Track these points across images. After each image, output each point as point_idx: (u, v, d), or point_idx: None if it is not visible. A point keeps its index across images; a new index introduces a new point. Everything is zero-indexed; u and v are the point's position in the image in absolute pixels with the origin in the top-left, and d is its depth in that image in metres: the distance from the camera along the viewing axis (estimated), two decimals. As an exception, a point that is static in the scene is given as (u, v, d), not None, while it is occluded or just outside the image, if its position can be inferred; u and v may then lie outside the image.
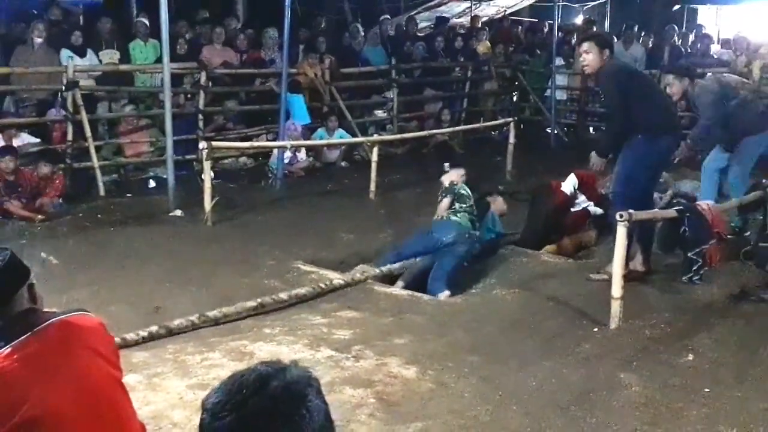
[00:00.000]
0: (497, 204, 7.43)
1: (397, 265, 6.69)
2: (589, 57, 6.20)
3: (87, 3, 13.36)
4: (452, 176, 7.21)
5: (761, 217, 6.76)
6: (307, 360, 4.63)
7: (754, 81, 11.89)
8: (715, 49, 13.91)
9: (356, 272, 6.40)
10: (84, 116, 9.06)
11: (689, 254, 5.93)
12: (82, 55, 9.84)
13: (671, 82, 6.93)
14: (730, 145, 7.24)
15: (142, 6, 12.48)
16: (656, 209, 6.12)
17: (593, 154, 6.38)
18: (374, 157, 9.27)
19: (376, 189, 9.21)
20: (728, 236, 6.47)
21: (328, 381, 4.35)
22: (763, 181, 6.83)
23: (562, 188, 7.76)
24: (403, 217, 8.32)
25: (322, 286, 5.96)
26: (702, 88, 7.01)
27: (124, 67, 10.06)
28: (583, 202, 7.78)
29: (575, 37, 14.76)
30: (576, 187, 7.73)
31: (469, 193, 7.00)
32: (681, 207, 6.06)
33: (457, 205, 6.84)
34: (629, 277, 5.73)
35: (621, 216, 5.21)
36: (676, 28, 14.47)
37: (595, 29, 15.48)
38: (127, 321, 5.18)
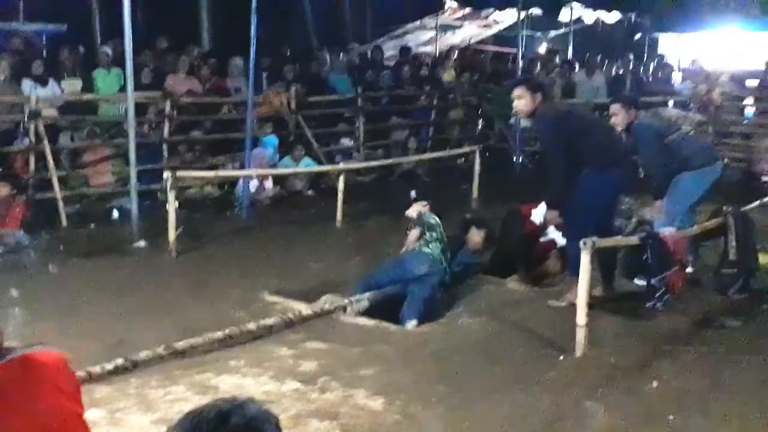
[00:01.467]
0: (476, 237, 7.32)
1: (366, 295, 6.65)
2: (521, 102, 6.18)
3: (50, 32, 13.27)
4: (417, 208, 7.21)
5: (722, 244, 6.83)
6: (272, 392, 4.60)
7: (714, 108, 12.16)
8: (676, 77, 14.16)
9: (324, 302, 6.36)
10: (47, 146, 8.97)
11: (652, 281, 5.98)
12: (44, 84, 9.77)
13: (616, 111, 6.79)
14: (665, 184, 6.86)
15: (107, 34, 12.45)
16: (619, 236, 6.16)
17: (545, 210, 6.37)
18: (341, 185, 9.27)
19: (343, 217, 9.21)
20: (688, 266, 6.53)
21: (293, 414, 4.32)
22: (723, 207, 6.90)
23: (532, 218, 7.79)
24: (371, 245, 8.31)
25: (291, 316, 5.91)
26: (640, 125, 6.79)
27: (87, 96, 10.00)
28: (552, 232, 7.83)
29: (539, 65, 14.99)
30: (545, 218, 7.78)
31: (438, 221, 7.00)
32: (643, 234, 6.11)
33: (427, 235, 6.82)
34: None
35: (584, 243, 5.24)
36: (632, 57, 14.70)
37: (557, 59, 15.76)
38: (90, 354, 5.08)
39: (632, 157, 6.79)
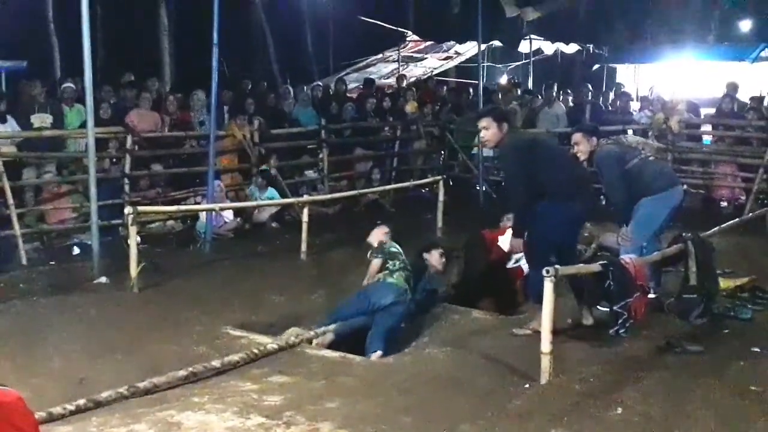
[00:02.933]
0: (434, 259, 7.35)
1: (331, 327, 6.63)
2: (488, 133, 6.24)
3: (10, 69, 13.17)
4: (378, 235, 7.22)
5: (683, 270, 6.92)
6: (236, 428, 4.54)
7: (672, 135, 12.36)
8: (634, 106, 14.40)
9: (289, 335, 6.32)
10: (6, 183, 8.85)
11: (615, 308, 6.02)
12: (3, 121, 9.66)
13: (579, 140, 6.86)
14: (628, 209, 6.86)
15: (67, 70, 12.39)
16: (580, 265, 6.21)
17: (511, 238, 6.41)
18: (305, 217, 9.25)
19: (308, 249, 9.17)
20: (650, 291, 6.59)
21: (258, 449, 4.27)
22: (683, 234, 6.99)
23: (499, 244, 7.82)
24: (335, 277, 8.29)
25: (256, 351, 5.86)
26: (601, 152, 6.82)
27: (47, 132, 9.89)
28: (520, 258, 7.88)
29: (500, 96, 15.16)
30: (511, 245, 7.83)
31: (399, 249, 7.01)
32: (605, 261, 6.16)
33: (390, 264, 6.83)
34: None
35: (547, 272, 5.28)
36: (590, 86, 14.93)
37: (520, 90, 15.97)
38: (50, 394, 5.01)
39: (593, 188, 6.80)
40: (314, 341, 6.39)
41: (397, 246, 7.00)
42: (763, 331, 6.43)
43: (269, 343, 6.09)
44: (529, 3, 20.39)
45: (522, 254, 7.70)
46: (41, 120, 10.03)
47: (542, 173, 6.09)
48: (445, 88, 17.27)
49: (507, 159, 6.41)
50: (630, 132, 11.94)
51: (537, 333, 5.71)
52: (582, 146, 6.83)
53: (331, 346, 6.46)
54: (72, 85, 10.56)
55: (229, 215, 10.52)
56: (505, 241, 7.81)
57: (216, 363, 5.58)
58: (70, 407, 4.75)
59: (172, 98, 11.55)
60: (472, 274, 7.80)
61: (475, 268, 7.84)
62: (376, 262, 6.86)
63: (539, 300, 5.60)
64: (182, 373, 5.36)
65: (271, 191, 11.05)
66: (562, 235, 6.30)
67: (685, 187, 7.62)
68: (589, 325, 6.39)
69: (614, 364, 5.71)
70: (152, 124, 10.84)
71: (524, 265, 7.82)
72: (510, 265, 7.88)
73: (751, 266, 8.24)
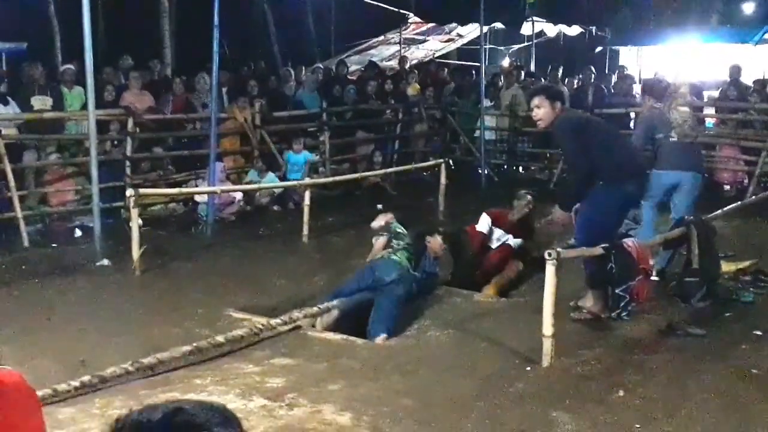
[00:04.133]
0: (434, 244, 7.35)
1: (335, 302, 6.61)
2: (540, 111, 6.05)
3: (10, 51, 13.11)
4: (381, 221, 7.22)
5: (685, 253, 6.92)
6: (239, 410, 4.54)
7: (675, 121, 12.31)
8: (637, 89, 14.33)
9: (293, 313, 6.29)
10: (7, 165, 8.83)
11: (617, 291, 6.03)
12: (5, 103, 9.63)
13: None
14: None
15: (68, 53, 12.34)
16: (584, 247, 6.20)
17: (556, 208, 6.31)
18: (307, 200, 9.24)
19: (310, 232, 9.16)
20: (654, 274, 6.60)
21: (261, 431, 4.28)
22: (685, 217, 6.98)
23: (477, 228, 7.84)
24: (337, 260, 8.29)
25: (260, 327, 5.85)
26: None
27: (48, 114, 9.85)
28: (501, 236, 7.88)
29: (502, 78, 15.10)
30: (490, 225, 7.85)
31: (405, 231, 7.02)
32: (607, 244, 6.15)
33: (394, 243, 6.84)
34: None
35: (549, 255, 5.27)
36: (593, 69, 14.86)
37: (523, 73, 15.90)
38: (52, 376, 5.01)
39: (647, 171, 6.71)
40: (318, 319, 6.38)
41: (402, 228, 7.00)
42: (764, 315, 6.44)
43: (274, 322, 6.07)
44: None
45: (503, 232, 7.74)
46: (41, 102, 9.99)
47: (595, 154, 5.95)
48: (446, 70, 17.19)
49: (564, 139, 6.20)
50: (633, 115, 11.85)
51: (594, 315, 6.09)
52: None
53: (337, 322, 6.46)
54: (72, 67, 10.51)
55: (236, 196, 10.48)
56: (482, 223, 7.83)
57: (220, 338, 5.58)
58: (75, 384, 4.77)
59: (179, 80, 11.51)
60: (461, 270, 7.81)
61: (462, 263, 7.85)
62: (381, 240, 6.87)
63: (591, 284, 5.93)
64: (187, 348, 5.36)
65: (271, 176, 11.02)
66: (613, 218, 6.22)
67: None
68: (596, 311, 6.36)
69: (616, 347, 5.72)
70: (146, 105, 10.78)
71: (511, 241, 7.83)
72: (494, 245, 7.88)
73: (754, 249, 8.23)
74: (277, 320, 6.04)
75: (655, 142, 7.33)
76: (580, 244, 6.15)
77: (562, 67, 16.08)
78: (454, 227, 8.48)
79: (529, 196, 8.03)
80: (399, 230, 6.96)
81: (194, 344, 5.43)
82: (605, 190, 6.02)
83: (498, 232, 7.87)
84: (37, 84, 10.10)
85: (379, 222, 7.22)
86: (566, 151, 6.92)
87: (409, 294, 6.65)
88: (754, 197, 10.12)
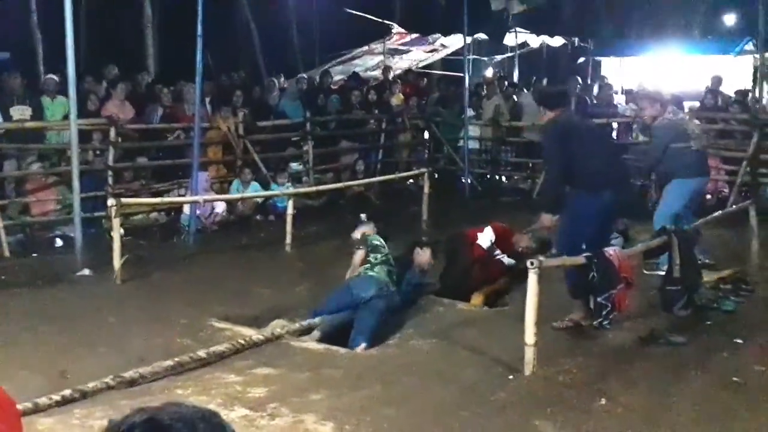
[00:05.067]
0: (422, 257, 7.29)
1: (316, 320, 6.59)
2: (543, 118, 6.38)
3: (-8, 60, 13.06)
4: (362, 230, 7.20)
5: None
6: (220, 420, 4.51)
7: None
8: (618, 99, 14.42)
9: (273, 327, 6.29)
10: (-13, 174, 8.79)
11: (599, 299, 6.04)
12: (-14, 113, 9.57)
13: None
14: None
15: (51, 62, 12.29)
16: (565, 256, 6.22)
17: (543, 213, 6.42)
18: (290, 209, 9.22)
19: (293, 242, 9.15)
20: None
21: (242, 441, 4.26)
22: (666, 227, 7.00)
23: (479, 242, 7.84)
24: (320, 269, 8.27)
25: (242, 342, 5.84)
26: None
27: (30, 124, 9.80)
28: (499, 254, 7.90)
29: (484, 88, 15.16)
30: (493, 242, 7.84)
31: (383, 242, 6.98)
32: (589, 253, 6.17)
33: (372, 257, 6.78)
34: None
35: (531, 263, 5.29)
36: (579, 79, 14.94)
37: (506, 83, 15.96)
38: (32, 387, 4.96)
39: (630, 178, 6.87)
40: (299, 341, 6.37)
41: (381, 239, 6.97)
42: (745, 323, 6.48)
43: (254, 334, 6.06)
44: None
45: (500, 251, 7.79)
46: (20, 113, 9.93)
47: (575, 160, 6.06)
48: (425, 80, 17.22)
49: (545, 140, 6.42)
50: (615, 125, 11.90)
51: (577, 324, 6.13)
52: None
53: (318, 342, 6.43)
54: (54, 77, 10.45)
55: (219, 207, 10.44)
56: (484, 239, 7.83)
57: (201, 353, 5.55)
58: (56, 398, 4.73)
59: (166, 90, 11.46)
60: (454, 274, 7.79)
61: (456, 267, 7.83)
62: (359, 254, 6.83)
63: (573, 294, 5.99)
64: (168, 363, 5.34)
65: (256, 184, 10.99)
66: (591, 227, 6.25)
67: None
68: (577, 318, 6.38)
69: (598, 356, 5.74)
70: (129, 116, 10.73)
71: (505, 259, 7.86)
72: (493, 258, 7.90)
73: (734, 258, 8.29)
74: (259, 336, 6.02)
75: (665, 151, 7.55)
76: (559, 252, 6.23)
77: (545, 78, 16.16)
78: (449, 233, 8.48)
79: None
80: (377, 242, 6.89)
81: (175, 359, 5.39)
82: (582, 199, 6.14)
83: (497, 252, 7.88)
84: (15, 94, 10.05)
85: (359, 232, 7.20)
86: (545, 152, 7.08)
87: (390, 308, 6.61)
88: (734, 206, 10.17)
